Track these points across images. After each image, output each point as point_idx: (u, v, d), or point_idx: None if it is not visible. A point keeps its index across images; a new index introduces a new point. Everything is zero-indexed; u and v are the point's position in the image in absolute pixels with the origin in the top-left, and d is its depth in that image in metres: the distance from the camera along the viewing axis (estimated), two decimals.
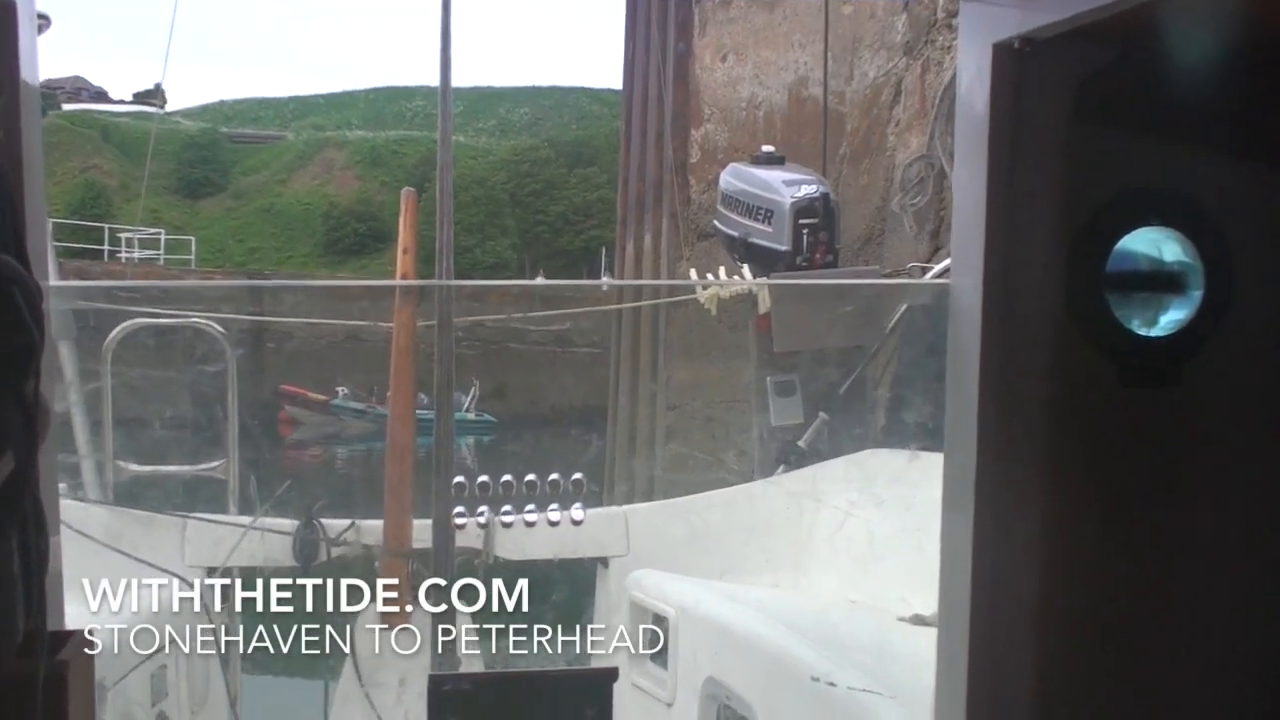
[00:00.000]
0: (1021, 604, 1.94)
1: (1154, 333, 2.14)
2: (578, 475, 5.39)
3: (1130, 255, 2.14)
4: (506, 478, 5.27)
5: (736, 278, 7.10)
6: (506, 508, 5.25)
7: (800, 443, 7.22)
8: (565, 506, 5.39)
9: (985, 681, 1.92)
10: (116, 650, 5.51)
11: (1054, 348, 2.03)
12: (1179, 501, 2.05)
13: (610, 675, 2.03)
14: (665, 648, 6.70)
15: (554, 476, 5.35)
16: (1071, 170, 2.03)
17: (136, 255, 41.03)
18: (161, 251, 42.23)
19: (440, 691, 2.04)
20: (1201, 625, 2.07)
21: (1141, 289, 2.14)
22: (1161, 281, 2.17)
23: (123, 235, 42.25)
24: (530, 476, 5.32)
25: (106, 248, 41.21)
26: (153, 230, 43.50)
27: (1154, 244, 2.14)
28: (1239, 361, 2.11)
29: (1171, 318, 2.17)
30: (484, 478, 5.29)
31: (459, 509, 5.24)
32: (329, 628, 7.35)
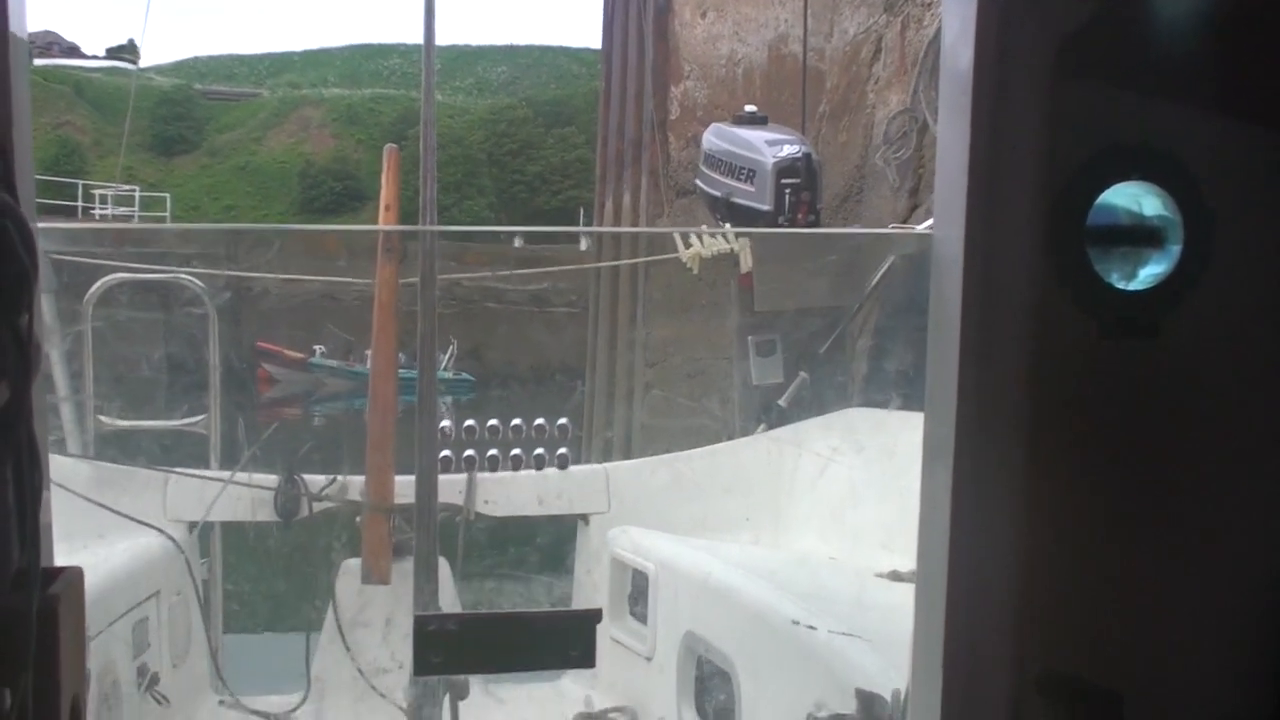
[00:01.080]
0: (1000, 560, 1.97)
1: (1133, 286, 2.17)
2: (563, 420, 5.39)
3: (1111, 210, 2.17)
4: (492, 422, 5.26)
5: (722, 228, 7.10)
6: (491, 451, 5.24)
7: (781, 401, 7.27)
8: (550, 451, 5.39)
9: (962, 636, 1.95)
10: (98, 603, 5.54)
11: (1035, 301, 2.06)
12: (1157, 454, 2.09)
13: (594, 616, 2.05)
14: (645, 603, 6.76)
15: (539, 421, 5.34)
16: (1055, 125, 2.06)
17: (111, 212, 40.72)
18: (136, 209, 41.92)
19: (425, 631, 2.05)
20: (1181, 576, 2.11)
21: (1122, 243, 2.17)
22: (1142, 236, 2.19)
23: (96, 192, 41.90)
24: (516, 421, 5.32)
25: (80, 204, 40.88)
26: (128, 187, 43.17)
27: (1134, 199, 2.17)
28: (1217, 315, 2.15)
29: (1151, 271, 2.20)
30: (470, 421, 5.27)
31: (443, 454, 5.22)
32: (310, 582, 7.40)
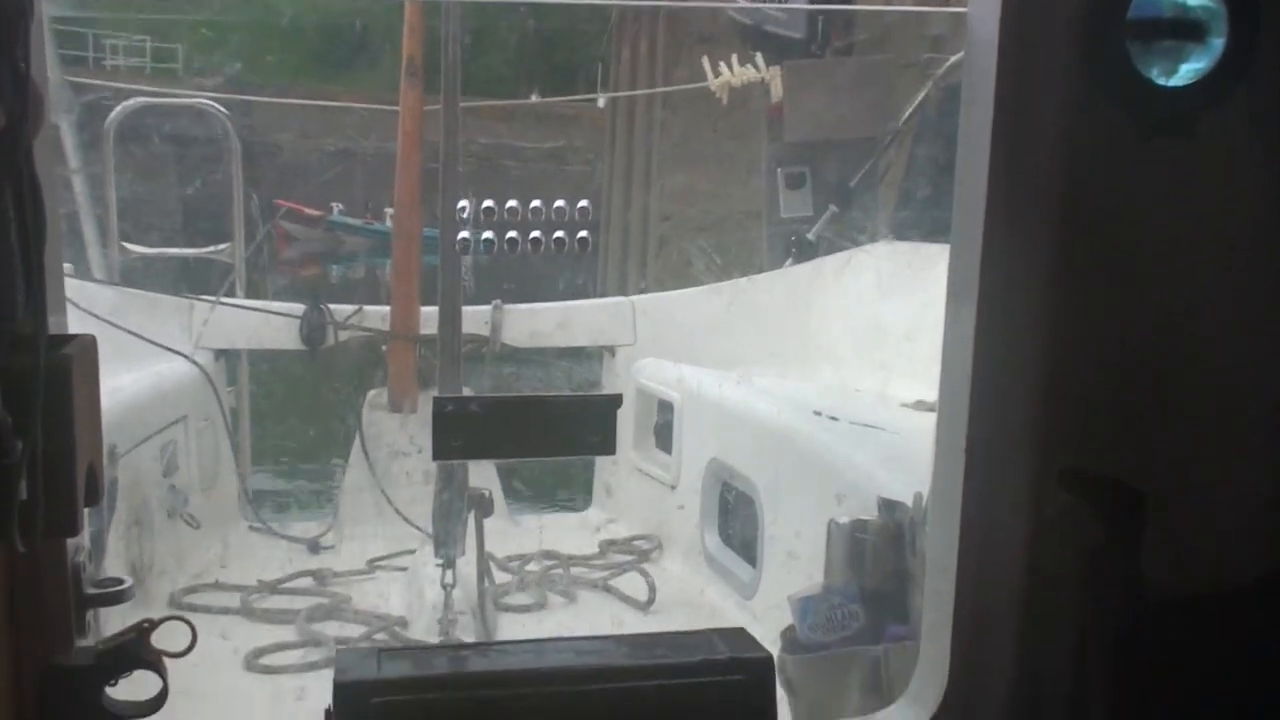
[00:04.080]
0: (1025, 360, 1.94)
1: (1173, 82, 2.09)
2: (583, 202, 5.25)
3: (1153, 1, 2.09)
4: (511, 203, 5.13)
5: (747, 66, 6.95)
6: (511, 233, 5.09)
7: (809, 235, 7.18)
8: (570, 235, 5.23)
9: (985, 434, 1.93)
10: (125, 423, 5.55)
11: (1071, 99, 1.99)
12: (1190, 267, 2.03)
13: (615, 401, 2.03)
14: (670, 433, 6.79)
15: (559, 204, 5.19)
16: None
17: (122, 63, 40.26)
18: (148, 59, 41.46)
19: (444, 414, 2.03)
20: (1209, 378, 2.08)
21: (1163, 37, 2.09)
22: (1184, 29, 2.11)
23: (107, 42, 41.38)
24: (535, 203, 5.18)
25: (91, 54, 40.42)
26: (138, 37, 42.56)
27: None
28: (1259, 115, 2.08)
29: (1192, 67, 2.11)
30: (488, 202, 5.12)
31: (462, 235, 5.02)
32: (337, 411, 7.44)
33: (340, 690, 1.64)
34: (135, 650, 1.61)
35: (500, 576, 6.01)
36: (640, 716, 1.66)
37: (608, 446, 2.02)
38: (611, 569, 6.36)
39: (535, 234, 5.28)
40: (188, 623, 1.69)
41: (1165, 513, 1.99)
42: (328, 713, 1.67)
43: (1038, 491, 2.00)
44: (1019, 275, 1.96)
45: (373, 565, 6.36)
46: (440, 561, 5.30)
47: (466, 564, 5.55)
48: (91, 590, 1.80)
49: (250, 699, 4.87)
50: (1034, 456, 2.00)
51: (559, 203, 5.35)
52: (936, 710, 2.01)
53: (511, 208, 5.29)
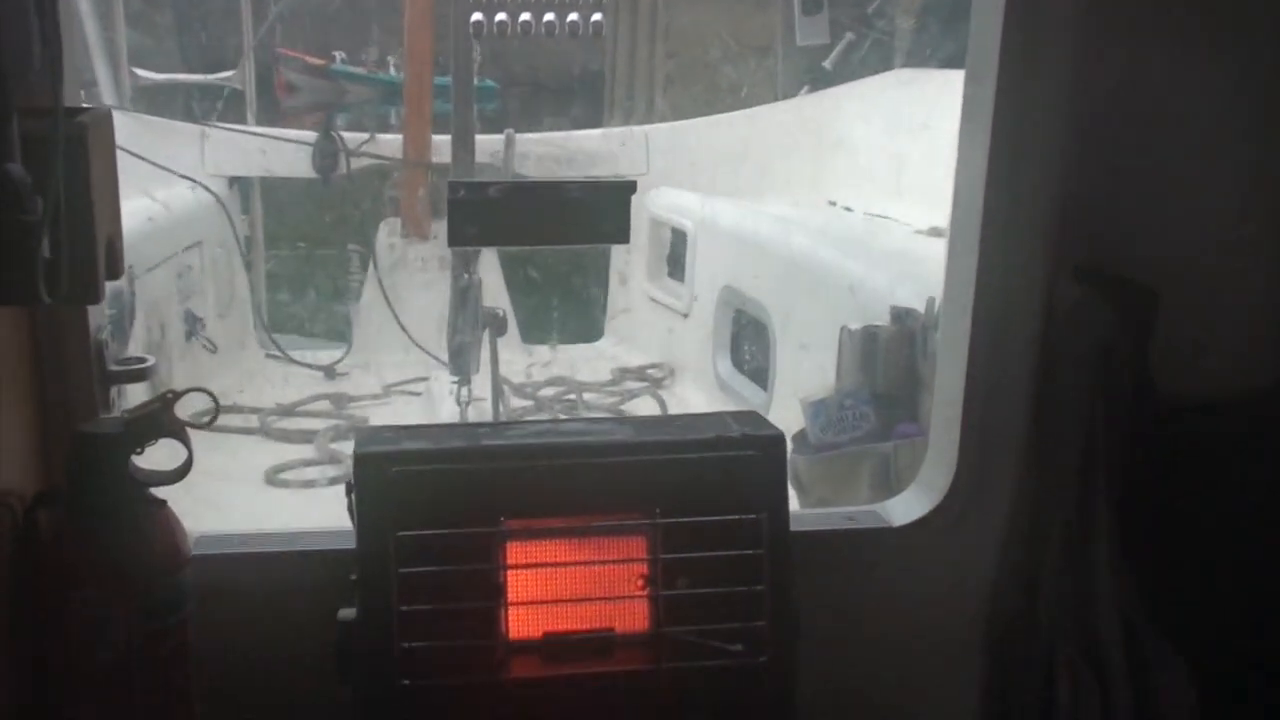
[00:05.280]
0: (1040, 157, 1.92)
1: None
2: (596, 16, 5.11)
3: None
4: None
5: None
6: (524, 15, 4.95)
7: (825, 63, 7.07)
8: (584, 16, 5.08)
9: (999, 231, 1.92)
10: (141, 246, 5.56)
11: None
12: (1202, 79, 2.00)
13: (629, 187, 2.01)
14: (683, 262, 6.79)
15: None
16: None
17: None
18: None
19: (459, 200, 2.02)
20: (1220, 198, 2.05)
21: None
22: None
23: None
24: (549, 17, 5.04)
25: None
26: None
27: None
28: None
29: None
30: None
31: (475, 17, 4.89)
32: (350, 239, 7.45)
33: (360, 461, 1.67)
34: (160, 419, 1.64)
35: (515, 403, 6.09)
36: (654, 490, 1.69)
37: (622, 235, 2.02)
38: (624, 395, 6.43)
39: (549, 16, 5.12)
40: (210, 395, 1.72)
41: (1174, 317, 2.00)
42: (348, 485, 1.71)
43: (1050, 286, 2.01)
44: (1036, 77, 1.94)
45: (389, 390, 6.44)
46: (456, 380, 5.37)
47: (481, 389, 5.62)
48: (114, 367, 1.83)
49: (271, 511, 4.97)
50: (1047, 251, 2.00)
51: None
52: (944, 498, 2.06)
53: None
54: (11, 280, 1.36)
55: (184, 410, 1.68)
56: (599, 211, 2.05)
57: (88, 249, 1.49)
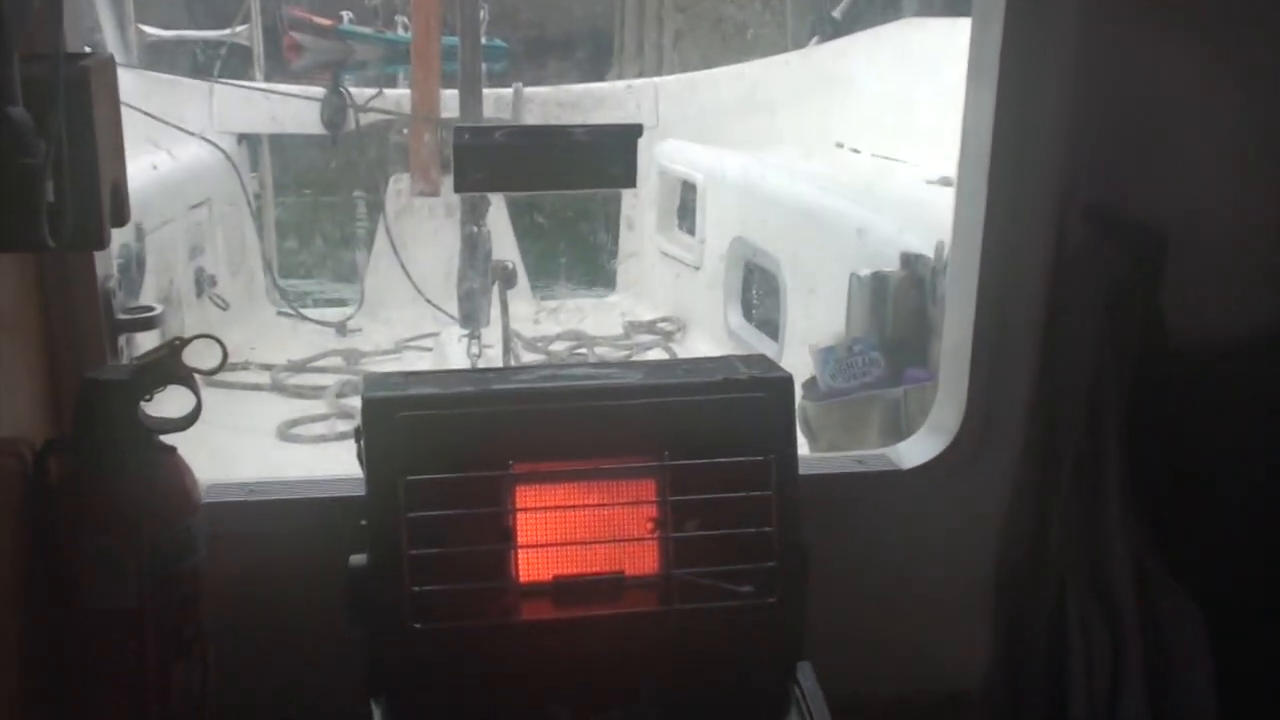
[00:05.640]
0: (1050, 101, 1.90)
1: None
2: None
3: None
4: None
5: None
6: None
7: (835, 13, 7.02)
8: None
9: (1008, 172, 1.90)
10: (151, 203, 5.56)
11: None
12: (1211, 23, 1.98)
13: (635, 131, 1.99)
14: (693, 215, 6.76)
15: None
16: None
17: None
18: None
19: (464, 145, 2.01)
20: (1230, 140, 2.03)
21: None
22: None
23: None
24: None
25: None
26: None
27: None
28: None
29: None
30: None
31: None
32: (360, 196, 7.45)
33: (368, 406, 1.66)
34: (169, 366, 1.63)
35: (526, 357, 6.09)
36: (663, 432, 1.69)
37: (628, 179, 2.00)
38: (635, 348, 6.43)
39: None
40: (218, 341, 1.71)
41: (1183, 261, 1.99)
42: (357, 431, 1.71)
43: (1060, 229, 2.00)
44: (1042, 21, 1.92)
45: (400, 345, 6.45)
46: (466, 333, 5.37)
47: (492, 343, 5.62)
48: (122, 316, 1.83)
49: (283, 465, 4.99)
50: (1056, 195, 1.99)
51: None
52: (953, 440, 2.05)
53: None
54: (15, 225, 1.36)
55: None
56: (606, 156, 2.03)
57: (92, 194, 1.48)
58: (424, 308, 6.76)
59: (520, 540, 1.65)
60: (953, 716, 2.12)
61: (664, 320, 6.79)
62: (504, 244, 6.47)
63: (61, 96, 1.36)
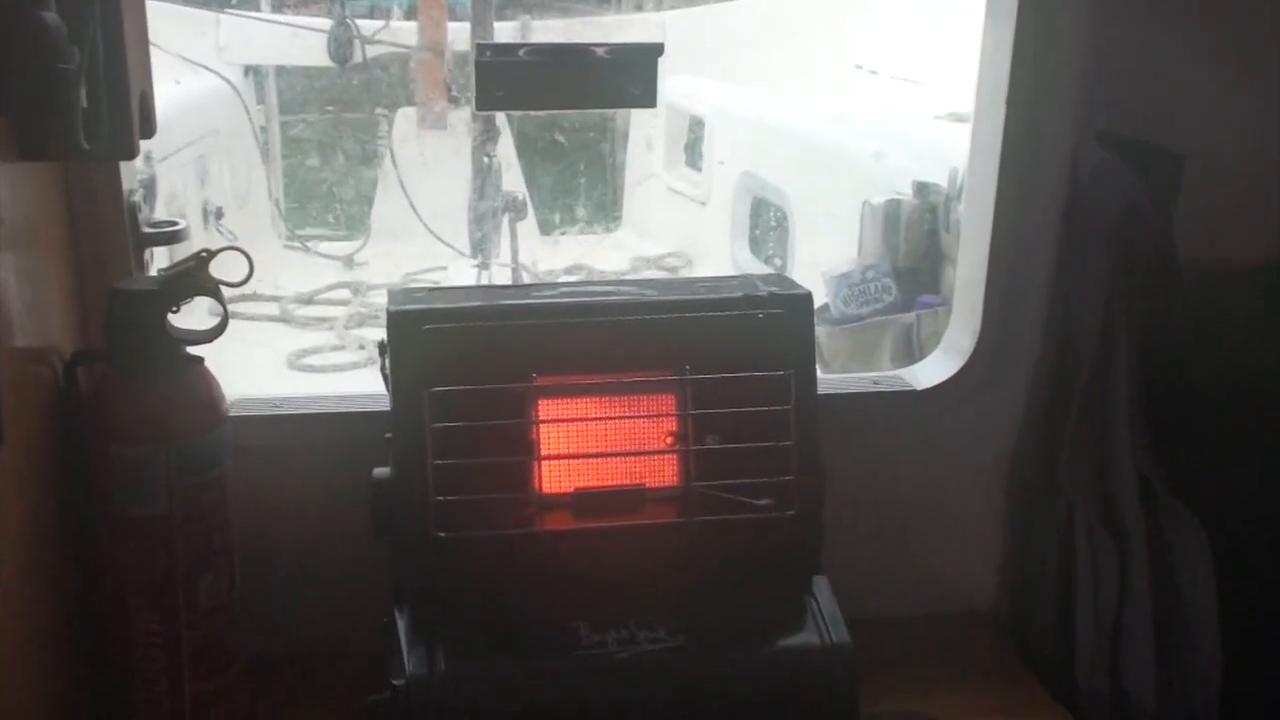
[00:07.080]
0: (1059, 74, 1.91)
1: None
2: None
3: None
4: None
5: None
6: None
7: None
8: None
9: (1025, 95, 1.91)
10: (158, 131, 5.52)
11: None
12: None
13: (656, 49, 1.98)
14: (700, 150, 6.74)
15: None
16: None
17: None
18: None
19: (485, 62, 2.00)
20: (1256, 63, 2.03)
21: None
22: None
23: None
24: None
25: None
26: None
27: None
28: None
29: None
30: None
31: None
32: (367, 129, 7.41)
33: (394, 319, 1.68)
34: (196, 277, 1.65)
35: None
36: (684, 347, 1.69)
37: (649, 98, 2.00)
38: None
39: None
40: (245, 254, 1.73)
41: (1198, 185, 2.00)
42: (381, 345, 1.73)
43: (1075, 151, 2.01)
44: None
45: (408, 279, 6.46)
46: (476, 264, 5.37)
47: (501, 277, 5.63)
48: (147, 229, 1.85)
49: (296, 392, 5.01)
50: (1072, 117, 1.99)
51: None
52: (967, 361, 2.07)
53: None
54: (51, 130, 1.37)
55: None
56: (627, 74, 2.02)
57: (122, 102, 1.49)
58: (432, 242, 6.75)
59: (543, 452, 1.68)
60: (963, 633, 2.16)
61: (671, 255, 6.78)
62: (511, 180, 6.45)
63: (96, 2, 1.37)
